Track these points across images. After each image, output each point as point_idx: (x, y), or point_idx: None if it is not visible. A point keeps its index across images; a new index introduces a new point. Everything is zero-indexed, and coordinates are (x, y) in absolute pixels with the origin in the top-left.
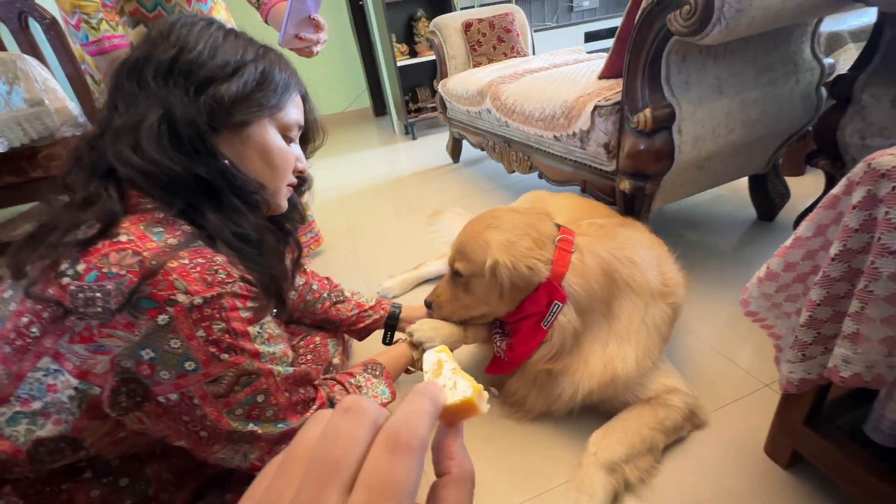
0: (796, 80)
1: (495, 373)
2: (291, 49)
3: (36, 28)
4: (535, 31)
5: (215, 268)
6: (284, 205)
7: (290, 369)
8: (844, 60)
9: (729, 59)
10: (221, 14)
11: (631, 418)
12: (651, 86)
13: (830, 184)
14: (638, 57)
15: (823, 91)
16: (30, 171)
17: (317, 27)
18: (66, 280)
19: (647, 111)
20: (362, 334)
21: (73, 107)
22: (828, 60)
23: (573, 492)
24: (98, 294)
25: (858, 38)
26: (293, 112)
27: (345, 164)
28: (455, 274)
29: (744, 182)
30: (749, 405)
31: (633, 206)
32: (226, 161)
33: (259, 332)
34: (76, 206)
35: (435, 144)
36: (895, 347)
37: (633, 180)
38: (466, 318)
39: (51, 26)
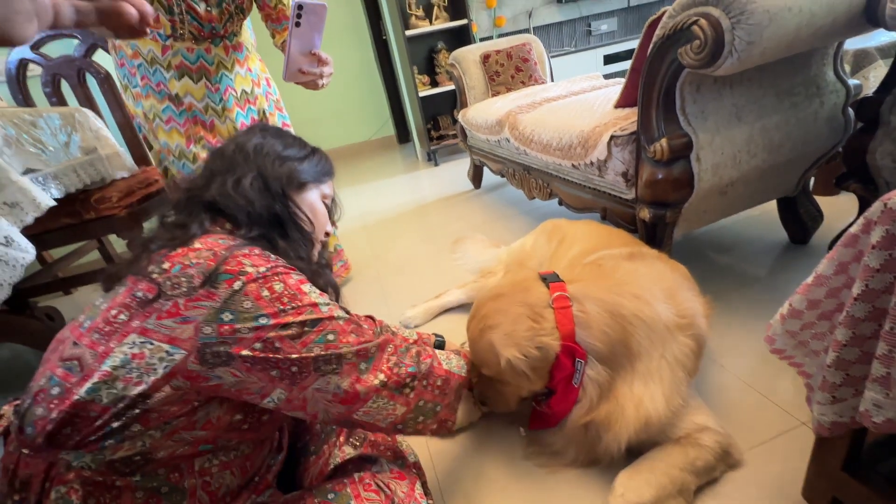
0: (820, 103)
1: (540, 427)
2: (297, 83)
3: (91, 81)
4: (554, 56)
5: (269, 254)
6: (315, 256)
7: (347, 315)
8: (874, 78)
9: (746, 85)
10: (256, 63)
11: (659, 458)
12: (666, 116)
13: (864, 206)
14: (651, 88)
15: (851, 112)
16: (83, 214)
17: (320, 61)
18: (154, 275)
19: (664, 141)
20: None
21: (123, 152)
22: (853, 81)
23: None
24: (183, 279)
25: (887, 54)
26: (328, 188)
27: (370, 192)
28: (486, 376)
29: (776, 201)
30: (786, 444)
31: (654, 234)
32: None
33: (312, 289)
34: (172, 226)
35: (457, 170)
36: None
37: (653, 209)
38: (518, 403)
39: (104, 80)
